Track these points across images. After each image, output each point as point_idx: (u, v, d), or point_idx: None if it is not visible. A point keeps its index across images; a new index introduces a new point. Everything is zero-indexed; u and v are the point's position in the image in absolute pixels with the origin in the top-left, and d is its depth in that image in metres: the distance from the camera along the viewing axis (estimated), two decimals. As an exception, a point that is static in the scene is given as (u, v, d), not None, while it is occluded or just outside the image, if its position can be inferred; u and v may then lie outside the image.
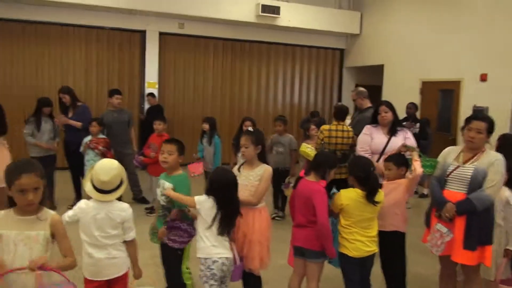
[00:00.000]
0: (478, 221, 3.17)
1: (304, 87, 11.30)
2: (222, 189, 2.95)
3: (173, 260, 3.20)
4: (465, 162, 3.26)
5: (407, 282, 3.69)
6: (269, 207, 5.71)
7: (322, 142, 5.29)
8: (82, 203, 2.71)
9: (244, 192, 3.18)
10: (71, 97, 6.33)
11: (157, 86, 9.72)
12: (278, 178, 5.64)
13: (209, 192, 2.96)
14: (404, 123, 6.46)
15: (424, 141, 7.07)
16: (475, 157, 3.24)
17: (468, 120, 3.27)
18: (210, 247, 2.94)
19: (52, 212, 2.29)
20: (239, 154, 4.10)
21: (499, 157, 3.19)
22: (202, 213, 2.96)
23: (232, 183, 3.01)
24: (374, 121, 4.58)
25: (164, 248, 3.24)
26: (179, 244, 3.16)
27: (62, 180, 6.72)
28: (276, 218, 6.19)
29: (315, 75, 11.36)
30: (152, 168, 5.89)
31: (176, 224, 3.13)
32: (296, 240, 3.30)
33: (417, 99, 8.69)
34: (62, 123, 6.30)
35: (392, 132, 4.48)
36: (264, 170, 3.26)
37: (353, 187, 3.28)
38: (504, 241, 3.46)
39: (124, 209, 2.71)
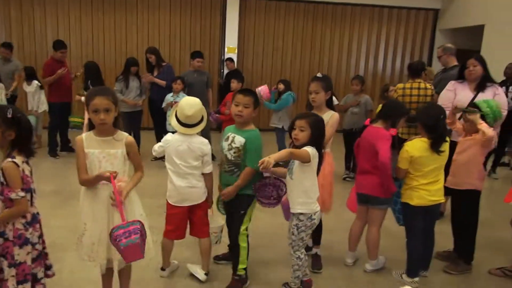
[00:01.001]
0: None
1: (390, 53, 10.83)
2: (321, 135, 2.89)
3: (235, 220, 3.18)
4: None
5: (477, 242, 3.65)
6: (341, 168, 6.27)
7: None
8: (168, 135, 3.11)
9: None
10: (156, 57, 6.86)
11: (236, 51, 9.94)
12: (352, 139, 5.39)
13: (312, 143, 2.84)
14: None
15: None
16: None
17: None
18: (312, 202, 2.92)
19: (126, 134, 2.62)
20: None
21: None
22: (313, 166, 2.86)
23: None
24: (460, 76, 4.35)
25: (229, 205, 3.23)
26: (268, 205, 3.15)
27: (146, 138, 7.23)
28: (347, 178, 6.38)
29: (403, 40, 10.80)
30: (227, 124, 6.12)
31: (268, 181, 3.10)
32: (361, 187, 3.40)
33: None
34: (148, 81, 6.85)
35: (480, 87, 4.19)
36: (331, 116, 3.32)
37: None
38: None
39: (204, 143, 3.05)
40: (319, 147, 2.84)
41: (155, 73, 6.94)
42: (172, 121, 3.09)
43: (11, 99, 7.31)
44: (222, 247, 3.73)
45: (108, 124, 2.50)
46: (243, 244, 3.16)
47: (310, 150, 2.78)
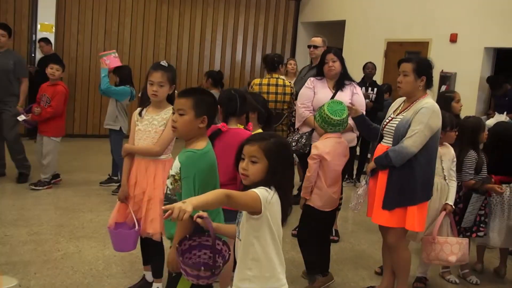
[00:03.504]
0: (397, 178, 3.18)
1: (249, 45, 10.59)
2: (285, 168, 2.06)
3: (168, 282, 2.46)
4: (399, 113, 3.31)
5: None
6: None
7: None
8: None
9: (145, 139, 3.14)
10: None
11: (53, 29, 8.79)
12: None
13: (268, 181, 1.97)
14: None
15: (381, 113, 6.42)
16: (409, 107, 3.27)
17: (398, 65, 3.33)
18: (271, 278, 2.04)
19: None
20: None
21: (428, 105, 3.16)
22: (271, 220, 1.97)
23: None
24: (319, 73, 4.45)
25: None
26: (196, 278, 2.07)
27: None
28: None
29: (263, 31, 10.66)
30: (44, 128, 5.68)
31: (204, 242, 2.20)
32: None
33: (380, 62, 8.37)
34: None
35: (338, 85, 4.35)
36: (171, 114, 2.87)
37: None
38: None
39: None
40: (283, 186, 2.01)
41: None
42: None
43: None
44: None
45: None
46: None
47: (260, 192, 1.89)
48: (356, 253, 4.48)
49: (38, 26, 8.68)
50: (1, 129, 5.80)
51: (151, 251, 3.27)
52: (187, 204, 1.69)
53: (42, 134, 5.65)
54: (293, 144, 4.33)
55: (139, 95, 5.69)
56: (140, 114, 3.18)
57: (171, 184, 2.38)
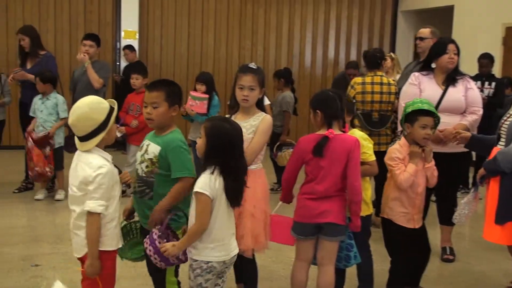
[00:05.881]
0: (509, 186, 3.01)
1: (343, 41, 10.52)
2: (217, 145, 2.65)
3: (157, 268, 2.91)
4: None
5: None
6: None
7: (354, 101, 5.01)
8: None
9: None
10: (32, 41, 6.07)
11: (137, 36, 9.24)
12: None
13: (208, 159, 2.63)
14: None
15: (501, 110, 6.01)
16: None
17: None
18: (205, 248, 2.67)
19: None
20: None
21: None
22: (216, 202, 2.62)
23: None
24: (426, 67, 4.28)
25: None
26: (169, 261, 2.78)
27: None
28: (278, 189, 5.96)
29: (357, 24, 10.54)
30: (134, 139, 5.87)
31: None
32: (318, 215, 3.18)
33: (498, 52, 7.98)
34: (18, 78, 6.07)
35: (449, 80, 4.14)
36: (263, 119, 3.14)
37: None
38: None
39: (91, 164, 2.62)
40: (223, 169, 2.62)
41: (29, 66, 6.15)
42: None
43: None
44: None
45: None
46: None
47: (200, 184, 2.60)
48: (475, 275, 4.18)
49: (122, 34, 9.18)
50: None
51: (244, 268, 3.28)
52: (176, 248, 2.60)
53: (133, 144, 5.81)
54: None
55: (228, 102, 5.81)
56: None
57: (147, 167, 2.87)
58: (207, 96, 5.68)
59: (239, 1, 9.78)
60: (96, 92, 5.87)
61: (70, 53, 8.87)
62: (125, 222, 3.00)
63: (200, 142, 2.64)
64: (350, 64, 8.23)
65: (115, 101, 2.69)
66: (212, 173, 2.54)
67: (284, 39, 10.11)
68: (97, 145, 2.60)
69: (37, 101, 5.71)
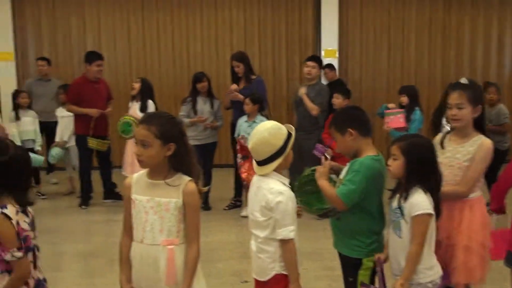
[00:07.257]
0: None
1: None
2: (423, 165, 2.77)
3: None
4: None
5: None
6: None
7: None
8: None
9: (447, 176, 2.93)
10: (245, 67, 6.37)
11: (337, 55, 9.33)
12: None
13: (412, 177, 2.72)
14: None
15: None
16: None
17: None
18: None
19: (188, 178, 2.44)
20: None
21: None
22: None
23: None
24: None
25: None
26: None
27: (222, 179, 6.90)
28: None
29: None
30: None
31: None
32: None
33: None
34: (231, 98, 6.32)
35: None
36: (481, 144, 2.99)
37: None
38: None
39: (272, 191, 2.71)
40: (428, 185, 2.71)
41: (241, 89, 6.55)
42: None
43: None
44: None
45: (146, 162, 2.42)
46: None
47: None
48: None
49: (323, 53, 9.31)
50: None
51: None
52: None
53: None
54: None
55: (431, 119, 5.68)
56: (441, 144, 3.10)
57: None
58: (401, 110, 5.65)
59: (442, 10, 9.41)
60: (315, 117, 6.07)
61: (273, 74, 9.31)
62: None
63: (398, 164, 2.71)
64: None
65: (292, 127, 2.72)
66: (425, 191, 2.66)
67: (493, 45, 9.51)
68: (275, 170, 2.66)
69: (242, 123, 5.98)
